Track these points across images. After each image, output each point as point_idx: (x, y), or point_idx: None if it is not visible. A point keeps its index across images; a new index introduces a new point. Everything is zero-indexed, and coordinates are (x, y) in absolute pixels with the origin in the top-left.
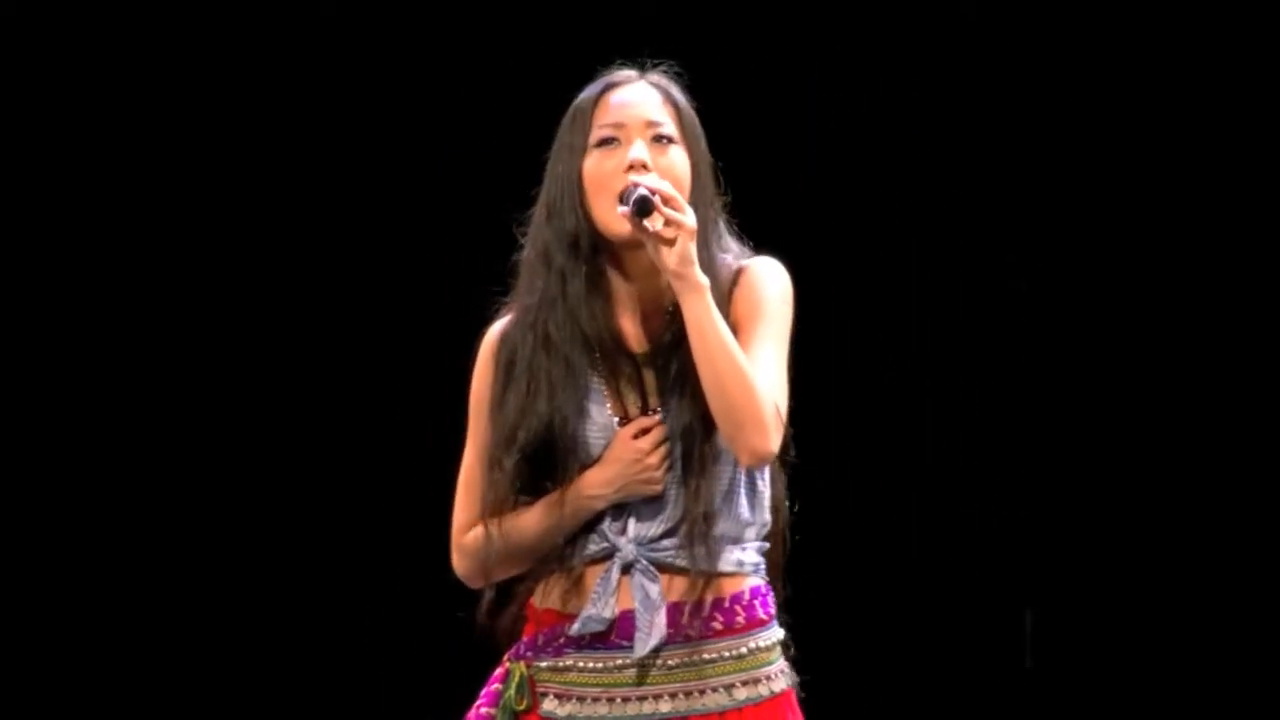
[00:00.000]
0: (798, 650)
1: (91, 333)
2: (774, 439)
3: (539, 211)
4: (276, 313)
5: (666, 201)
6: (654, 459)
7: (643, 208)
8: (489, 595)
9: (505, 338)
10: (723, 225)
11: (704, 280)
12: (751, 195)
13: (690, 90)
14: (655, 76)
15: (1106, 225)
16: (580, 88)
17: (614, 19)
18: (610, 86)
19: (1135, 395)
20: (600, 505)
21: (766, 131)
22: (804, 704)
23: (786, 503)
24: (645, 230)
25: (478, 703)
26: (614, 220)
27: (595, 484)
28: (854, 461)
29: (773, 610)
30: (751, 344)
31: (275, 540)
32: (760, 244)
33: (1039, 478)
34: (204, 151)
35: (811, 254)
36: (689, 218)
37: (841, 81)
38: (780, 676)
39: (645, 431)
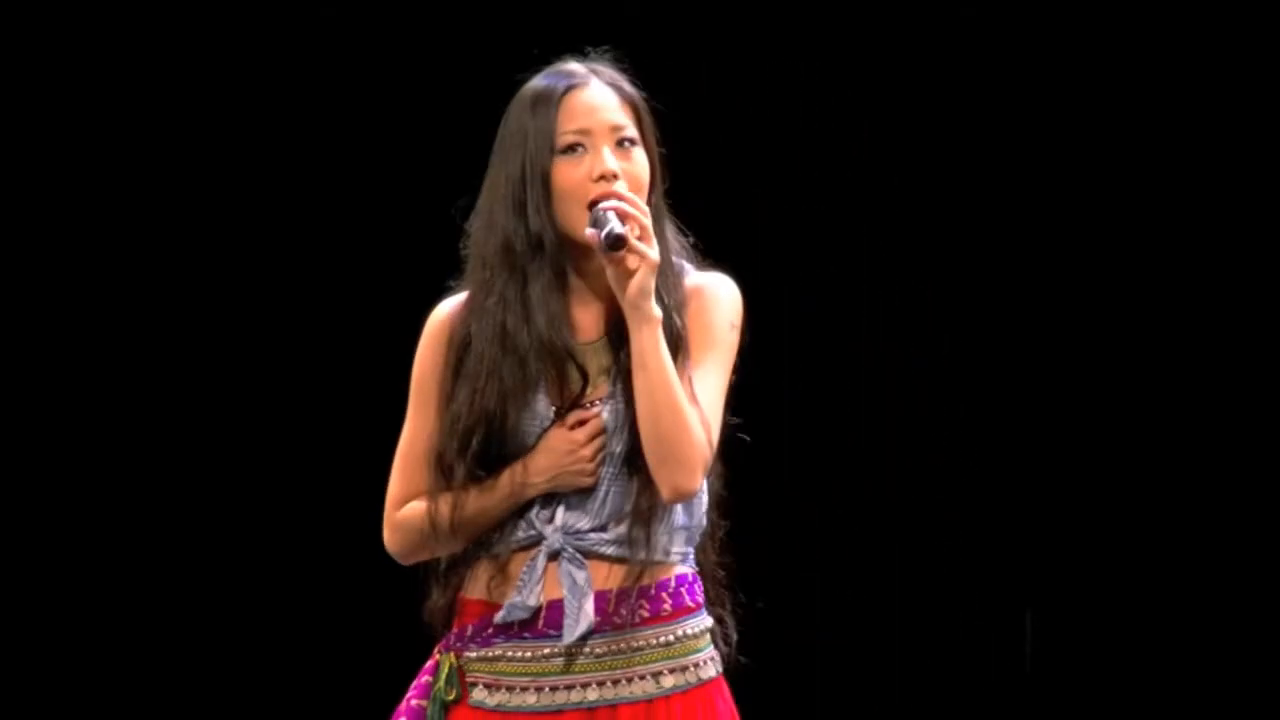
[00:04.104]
0: (803, 647)
1: (91, 333)
2: (698, 479)
3: (495, 205)
4: (275, 313)
5: (637, 234)
6: (588, 451)
7: (615, 244)
8: (436, 596)
9: (456, 324)
10: (668, 220)
11: (658, 313)
12: (748, 194)
13: (628, 73)
14: (607, 72)
15: (1109, 226)
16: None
17: (613, 19)
18: (569, 90)
19: (1135, 396)
20: (532, 494)
21: (759, 130)
22: (803, 701)
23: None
24: (613, 260)
25: (408, 695)
26: (579, 226)
27: (529, 472)
28: (854, 461)
29: (700, 598)
30: (695, 371)
31: (271, 541)
32: (758, 243)
33: (1039, 478)
34: (203, 151)
35: (812, 254)
36: (654, 251)
37: (838, 80)
38: (709, 664)
39: (582, 423)
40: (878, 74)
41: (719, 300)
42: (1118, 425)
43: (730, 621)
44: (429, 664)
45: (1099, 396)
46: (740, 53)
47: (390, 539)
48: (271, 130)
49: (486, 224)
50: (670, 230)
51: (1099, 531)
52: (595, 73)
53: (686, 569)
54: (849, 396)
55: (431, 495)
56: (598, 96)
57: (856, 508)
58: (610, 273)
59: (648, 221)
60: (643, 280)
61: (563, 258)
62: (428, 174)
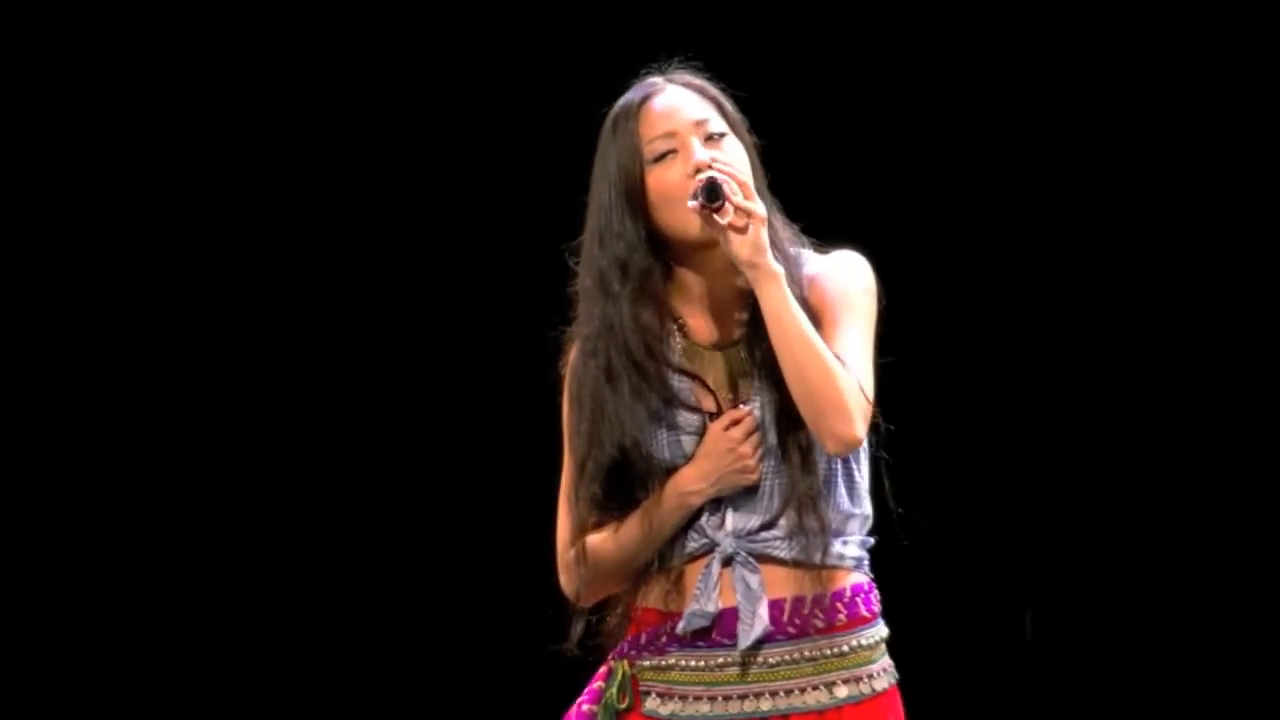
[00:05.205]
0: None
1: (92, 333)
2: (859, 425)
3: (590, 240)
4: (276, 315)
5: (738, 189)
6: (747, 448)
7: (711, 193)
8: (579, 625)
9: (577, 362)
10: (776, 210)
11: (778, 268)
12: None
13: (711, 77)
14: (682, 75)
15: (1108, 226)
16: (586, 98)
17: (613, 19)
18: (645, 100)
19: (1135, 396)
20: (698, 501)
21: (758, 130)
22: None
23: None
24: (716, 223)
25: (580, 699)
26: (691, 224)
27: (691, 480)
28: None
29: (876, 608)
30: (835, 331)
31: (272, 542)
32: None
33: (1038, 478)
34: (204, 152)
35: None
36: (759, 205)
37: (838, 80)
38: (882, 675)
39: (736, 423)
40: (878, 74)
41: (847, 269)
42: (1117, 425)
43: None
44: (602, 670)
45: (1098, 397)
46: (739, 52)
47: (564, 581)
48: (272, 131)
49: (585, 259)
50: (780, 221)
51: (1099, 531)
52: (670, 79)
53: (862, 577)
54: None
55: (587, 531)
56: (675, 98)
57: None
58: (722, 241)
59: (747, 179)
60: (755, 237)
61: (652, 276)
62: (428, 174)
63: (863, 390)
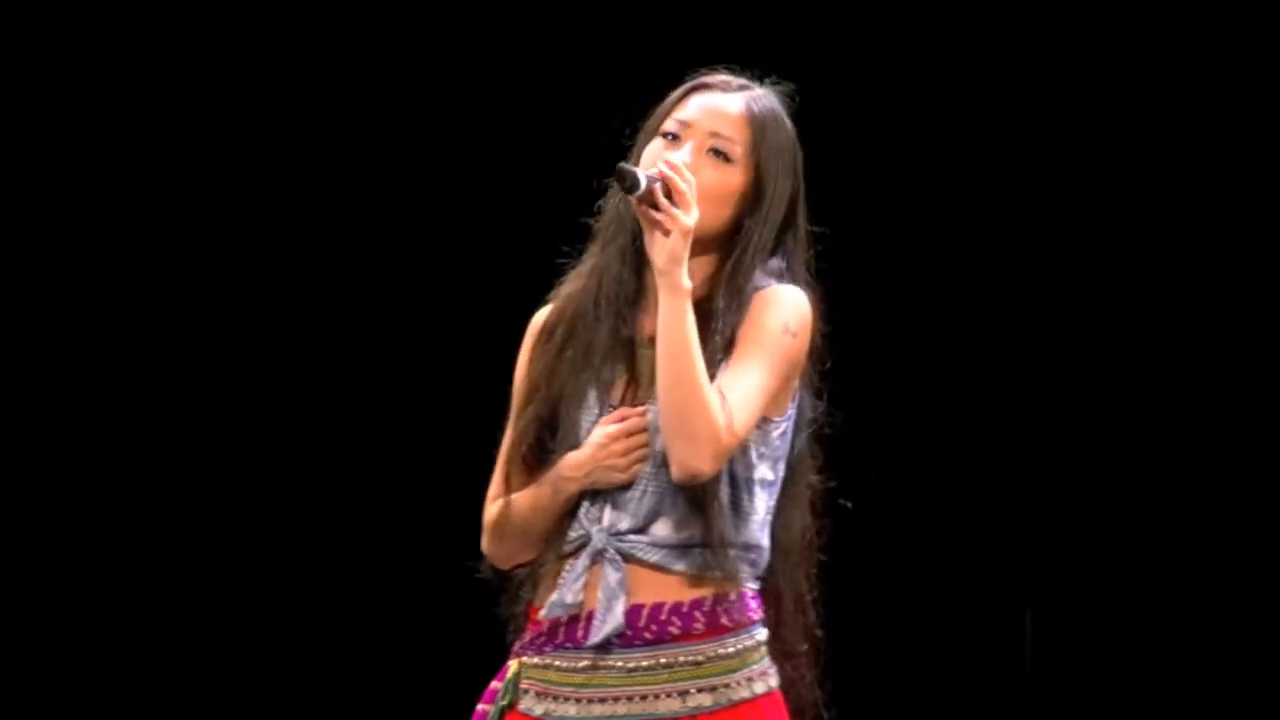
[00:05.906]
0: None
1: (93, 334)
2: (707, 460)
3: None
4: (277, 315)
5: (672, 194)
6: (618, 446)
7: (622, 179)
8: (509, 601)
9: (551, 313)
10: (779, 258)
11: (687, 284)
12: None
13: (796, 115)
14: (758, 91)
15: (1108, 226)
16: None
17: (611, 17)
18: (701, 86)
19: (1134, 396)
20: (573, 488)
21: None
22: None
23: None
24: (648, 218)
25: (482, 697)
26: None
27: (570, 466)
28: (853, 461)
29: (743, 616)
30: (734, 362)
31: (272, 541)
32: None
33: (1038, 478)
34: (205, 152)
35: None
36: (687, 216)
37: (838, 80)
38: (745, 684)
39: (624, 420)
40: (878, 74)
41: (776, 303)
42: (1117, 425)
43: (807, 682)
44: (503, 669)
45: (1098, 396)
46: (738, 53)
47: (483, 540)
48: (273, 131)
49: (609, 202)
50: (773, 263)
51: (1099, 531)
52: (745, 87)
53: (731, 588)
54: (848, 396)
55: (501, 495)
56: (721, 102)
57: (856, 507)
58: (646, 240)
59: (685, 186)
60: (673, 245)
61: (641, 241)
62: (428, 174)
63: (730, 429)
